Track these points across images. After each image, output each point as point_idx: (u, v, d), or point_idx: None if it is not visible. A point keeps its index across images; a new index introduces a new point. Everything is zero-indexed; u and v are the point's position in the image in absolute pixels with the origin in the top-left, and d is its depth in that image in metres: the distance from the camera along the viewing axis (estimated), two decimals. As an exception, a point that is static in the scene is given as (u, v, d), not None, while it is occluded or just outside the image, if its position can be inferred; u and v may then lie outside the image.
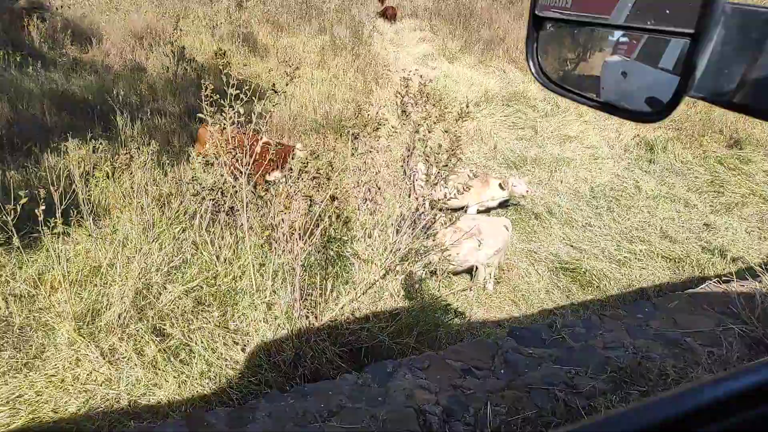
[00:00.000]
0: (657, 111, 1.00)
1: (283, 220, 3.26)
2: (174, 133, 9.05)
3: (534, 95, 13.21)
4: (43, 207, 3.48)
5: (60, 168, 4.66)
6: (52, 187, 3.38)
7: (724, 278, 3.85)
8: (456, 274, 6.22)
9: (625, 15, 1.05)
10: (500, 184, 7.55)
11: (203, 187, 4.08)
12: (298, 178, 3.76)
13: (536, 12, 1.29)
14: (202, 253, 3.64)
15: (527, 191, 7.53)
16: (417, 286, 3.69)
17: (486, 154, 10.25)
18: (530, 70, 1.34)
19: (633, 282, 6.47)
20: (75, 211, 4.15)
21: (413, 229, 5.47)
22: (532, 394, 2.38)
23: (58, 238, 3.44)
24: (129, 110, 8.63)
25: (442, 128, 4.68)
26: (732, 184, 8.96)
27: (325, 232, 3.92)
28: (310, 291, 3.26)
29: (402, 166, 4.69)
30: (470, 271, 6.20)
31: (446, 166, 4.23)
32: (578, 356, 2.67)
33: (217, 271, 3.56)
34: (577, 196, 8.84)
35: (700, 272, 6.67)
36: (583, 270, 6.70)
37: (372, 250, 3.60)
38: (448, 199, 4.25)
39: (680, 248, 7.30)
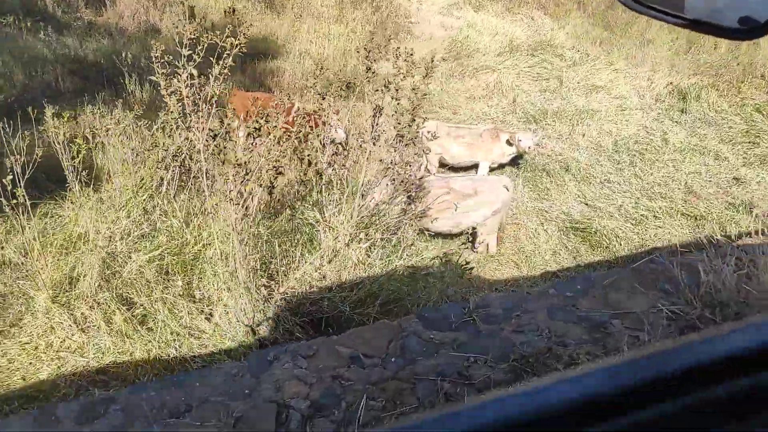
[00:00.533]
0: (753, 29, 1.00)
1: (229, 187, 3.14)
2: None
3: (562, 43, 12.52)
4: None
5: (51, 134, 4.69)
6: (14, 157, 3.37)
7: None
8: (455, 235, 6.04)
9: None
10: (508, 140, 7.21)
11: (168, 153, 4.00)
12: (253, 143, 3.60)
13: None
14: (170, 220, 3.59)
15: (533, 146, 7.14)
16: (389, 251, 3.53)
17: (505, 108, 9.83)
18: None
19: (647, 241, 6.14)
20: (77, 176, 4.19)
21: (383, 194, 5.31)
22: (417, 385, 2.20)
23: (23, 208, 3.44)
24: (139, 74, 8.62)
25: (411, 85, 4.34)
26: (768, 133, 8.31)
27: (296, 197, 3.80)
28: (271, 259, 3.17)
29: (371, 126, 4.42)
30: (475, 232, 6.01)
31: (409, 127, 3.97)
32: (484, 341, 2.47)
33: (187, 239, 3.51)
34: (599, 151, 8.39)
35: (722, 230, 6.26)
36: (594, 229, 6.39)
37: (338, 216, 3.45)
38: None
39: (704, 205, 6.86)
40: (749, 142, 8.23)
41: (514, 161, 7.91)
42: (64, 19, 10.36)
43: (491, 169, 7.84)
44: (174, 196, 3.77)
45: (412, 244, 5.17)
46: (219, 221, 3.06)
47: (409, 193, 5.36)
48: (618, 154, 8.26)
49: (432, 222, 5.51)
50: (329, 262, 3.24)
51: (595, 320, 2.52)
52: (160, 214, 3.62)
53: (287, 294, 3.02)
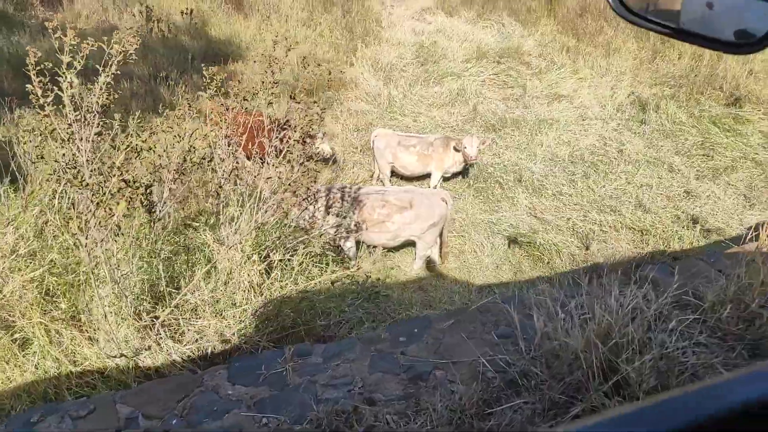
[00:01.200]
0: (748, 43, 1.00)
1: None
2: (137, 98, 8.78)
3: (529, 50, 12.48)
4: None
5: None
6: None
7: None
8: (396, 248, 5.93)
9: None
10: (454, 146, 7.10)
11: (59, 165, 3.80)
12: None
13: None
14: (64, 236, 3.42)
15: (476, 154, 7.03)
16: (289, 273, 3.36)
17: (465, 116, 9.73)
18: (609, 1, 1.39)
19: (589, 257, 6.06)
20: None
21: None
22: (186, 456, 2.04)
23: None
24: (87, 75, 8.40)
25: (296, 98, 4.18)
26: (723, 146, 8.29)
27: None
28: (158, 284, 3.01)
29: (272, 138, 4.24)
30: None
31: (297, 142, 3.81)
32: (288, 397, 2.26)
33: (79, 257, 3.34)
34: (555, 162, 8.32)
35: (665, 245, 6.21)
36: (538, 243, 6.30)
37: (234, 235, 3.29)
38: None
39: (651, 218, 6.81)
40: (704, 155, 8.21)
41: (468, 170, 7.82)
42: (18, 18, 10.09)
43: (445, 179, 7.75)
44: (67, 209, 3.59)
45: (314, 263, 5.05)
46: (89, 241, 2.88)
47: (340, 207, 5.25)
48: (573, 165, 8.19)
49: (368, 234, 5.40)
50: (225, 284, 3.09)
51: (417, 370, 2.34)
52: (56, 229, 3.44)
53: (170, 321, 2.86)
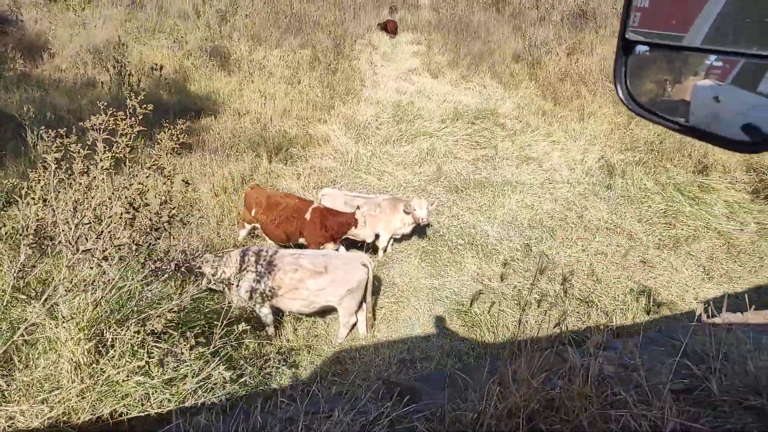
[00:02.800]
0: (754, 142, 0.99)
1: None
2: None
3: (507, 113, 12.53)
4: None
5: None
6: None
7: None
8: (318, 314, 5.66)
9: (725, 38, 1.07)
10: (404, 209, 6.93)
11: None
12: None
13: (626, 35, 1.32)
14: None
15: (426, 216, 6.84)
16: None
17: (429, 176, 9.62)
18: (618, 93, 1.38)
19: (525, 329, 5.73)
20: None
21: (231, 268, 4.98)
22: None
23: None
24: (46, 128, 8.45)
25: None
26: (686, 215, 8.06)
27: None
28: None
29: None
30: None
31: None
32: None
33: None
34: (513, 225, 8.12)
35: (608, 319, 5.89)
36: (477, 313, 6.01)
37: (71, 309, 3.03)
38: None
39: (601, 289, 6.52)
40: (666, 223, 7.97)
41: (418, 231, 7.63)
42: (-5, 69, 10.30)
43: (394, 240, 7.54)
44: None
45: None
46: None
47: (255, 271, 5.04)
48: (531, 230, 7.98)
49: (283, 300, 5.16)
50: (54, 363, 2.83)
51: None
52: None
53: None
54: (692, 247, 7.45)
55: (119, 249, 3.24)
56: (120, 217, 3.21)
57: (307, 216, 6.57)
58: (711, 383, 2.23)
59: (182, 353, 3.03)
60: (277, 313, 5.50)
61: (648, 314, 6.02)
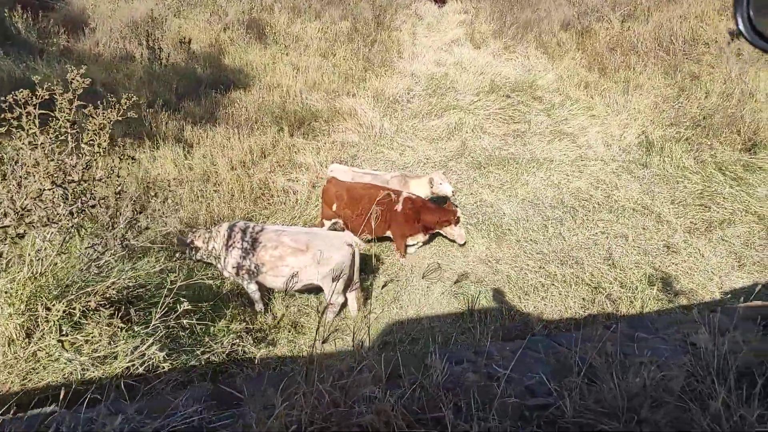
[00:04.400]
0: None
1: None
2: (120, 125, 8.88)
3: (546, 85, 11.92)
4: None
5: None
6: None
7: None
8: (311, 291, 5.61)
9: None
10: (430, 185, 6.79)
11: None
12: None
13: None
14: None
15: (451, 190, 6.68)
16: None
17: (453, 151, 9.31)
18: (737, 25, 1.28)
19: (526, 315, 5.48)
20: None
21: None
22: None
23: None
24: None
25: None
26: (724, 196, 7.40)
27: None
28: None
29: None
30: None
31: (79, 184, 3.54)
32: None
33: None
34: (533, 204, 7.75)
35: (614, 309, 5.53)
36: (473, 295, 5.80)
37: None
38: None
39: (615, 275, 6.12)
40: (701, 205, 7.36)
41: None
42: (38, 44, 10.75)
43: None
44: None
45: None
46: None
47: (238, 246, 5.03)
48: (551, 209, 7.59)
49: (266, 277, 5.14)
50: None
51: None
52: None
53: None
54: (726, 232, 6.85)
55: (61, 222, 3.27)
56: (49, 191, 3.23)
57: (398, 207, 6.39)
58: (565, 401, 1.96)
59: (115, 331, 3.05)
60: (269, 289, 5.50)
61: (661, 303, 5.61)
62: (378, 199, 5.99)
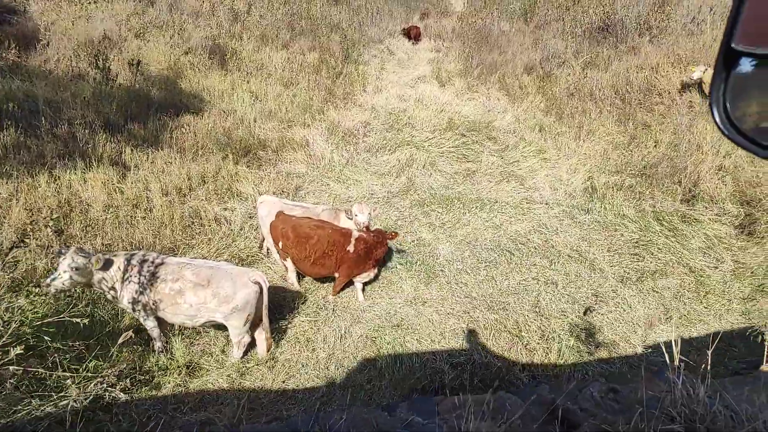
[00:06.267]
0: None
1: None
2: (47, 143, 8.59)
3: (502, 126, 11.99)
4: None
5: None
6: None
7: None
8: (216, 329, 5.35)
9: None
10: (346, 214, 6.57)
11: None
12: None
13: (732, 45, 1.09)
14: None
15: (365, 223, 6.36)
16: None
17: (399, 188, 9.21)
18: (713, 117, 1.19)
19: (426, 368, 5.27)
20: None
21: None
22: None
23: None
24: (20, 119, 8.54)
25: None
26: (659, 246, 7.38)
27: None
28: None
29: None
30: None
31: None
32: None
33: None
34: (470, 245, 7.63)
35: (528, 357, 5.37)
36: (387, 341, 5.59)
37: None
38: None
39: (539, 324, 5.98)
40: (635, 254, 7.32)
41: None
42: (-13, 59, 10.52)
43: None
44: None
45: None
46: None
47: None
48: (488, 252, 7.47)
49: (165, 312, 4.87)
50: None
51: None
52: None
53: None
54: (658, 283, 6.80)
55: None
56: None
57: (350, 248, 6.03)
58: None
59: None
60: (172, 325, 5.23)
61: (579, 355, 5.46)
62: (328, 240, 5.92)
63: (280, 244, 6.19)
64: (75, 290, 5.03)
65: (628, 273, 7.02)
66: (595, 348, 5.62)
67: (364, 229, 6.31)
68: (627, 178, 9.33)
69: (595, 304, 6.41)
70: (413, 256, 7.33)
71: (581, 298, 6.52)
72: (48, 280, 4.26)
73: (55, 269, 4.41)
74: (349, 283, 6.44)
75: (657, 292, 6.68)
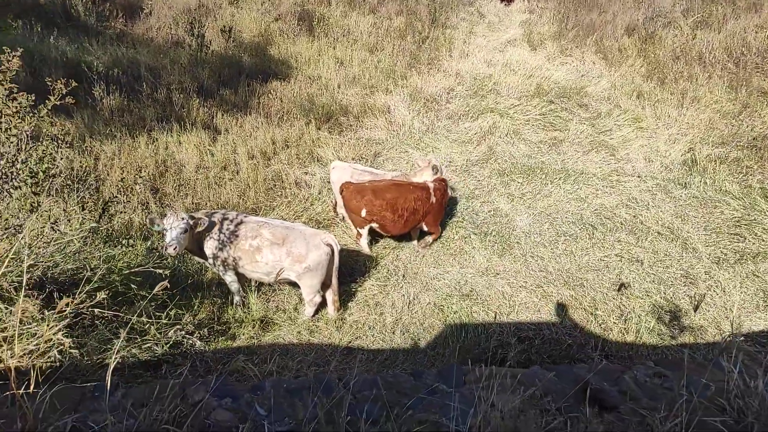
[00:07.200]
0: None
1: None
2: (147, 107, 9.12)
3: (596, 93, 11.28)
4: None
5: None
6: None
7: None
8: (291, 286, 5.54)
9: None
10: (432, 168, 6.82)
11: None
12: None
13: None
14: None
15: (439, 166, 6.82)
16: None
17: (478, 156, 8.97)
18: None
19: (492, 340, 5.15)
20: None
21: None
22: None
23: None
24: (121, 83, 9.15)
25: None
26: (765, 227, 6.69)
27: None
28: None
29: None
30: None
31: None
32: None
33: None
34: (551, 218, 7.32)
35: (602, 336, 5.10)
36: (453, 310, 5.53)
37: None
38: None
39: (618, 303, 5.66)
40: (735, 234, 6.69)
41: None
42: (96, 27, 11.30)
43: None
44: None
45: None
46: None
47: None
48: (568, 225, 7.14)
49: (245, 268, 5.10)
50: None
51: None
52: None
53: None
54: (759, 267, 6.18)
55: None
56: None
57: (433, 199, 6.41)
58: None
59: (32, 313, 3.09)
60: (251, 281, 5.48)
61: (660, 338, 5.13)
62: (414, 197, 6.23)
63: (364, 212, 6.26)
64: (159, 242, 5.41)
65: (726, 254, 6.44)
66: (679, 332, 5.25)
67: (438, 178, 6.64)
68: (733, 151, 8.50)
69: (684, 285, 5.96)
70: (488, 227, 7.15)
71: (668, 278, 6.08)
72: (167, 248, 4.60)
73: (158, 230, 4.76)
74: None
75: (758, 276, 6.09)
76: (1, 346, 2.91)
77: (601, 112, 10.51)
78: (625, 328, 5.16)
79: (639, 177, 8.34)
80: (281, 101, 10.25)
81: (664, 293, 5.84)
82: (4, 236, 3.44)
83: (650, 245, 6.63)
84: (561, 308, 5.57)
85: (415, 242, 6.84)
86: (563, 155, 9.13)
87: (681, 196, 7.70)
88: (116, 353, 3.68)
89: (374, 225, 6.39)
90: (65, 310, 3.21)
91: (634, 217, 7.27)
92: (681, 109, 10.03)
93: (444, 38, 14.94)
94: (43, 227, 3.85)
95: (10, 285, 2.95)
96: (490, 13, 18.40)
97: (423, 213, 6.37)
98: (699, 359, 4.16)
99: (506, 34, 16.07)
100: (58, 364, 2.96)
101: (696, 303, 5.64)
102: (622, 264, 6.31)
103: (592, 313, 5.48)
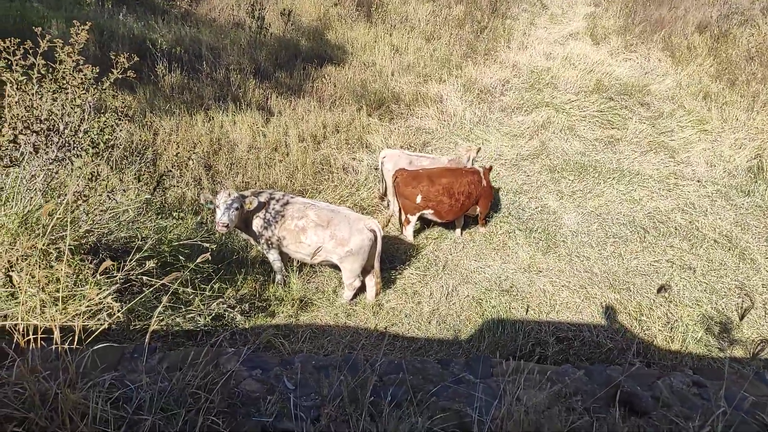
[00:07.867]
0: None
1: None
2: (206, 86, 9.35)
3: (659, 91, 10.83)
4: None
5: None
6: None
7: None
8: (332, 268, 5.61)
9: None
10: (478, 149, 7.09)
11: None
12: None
13: None
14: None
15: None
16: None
17: (529, 151, 8.78)
18: None
19: (529, 337, 5.05)
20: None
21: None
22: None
23: None
24: (182, 61, 9.45)
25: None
26: (834, 243, 6.28)
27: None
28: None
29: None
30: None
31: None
32: None
33: None
34: (600, 219, 7.11)
35: (646, 343, 4.93)
36: (492, 305, 5.46)
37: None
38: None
39: (666, 310, 5.45)
40: (800, 248, 6.32)
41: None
42: (164, 5, 11.68)
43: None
44: None
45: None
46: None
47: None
48: (619, 227, 6.91)
49: (289, 247, 5.20)
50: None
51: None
52: None
53: None
54: (823, 284, 5.82)
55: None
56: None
57: (484, 183, 6.58)
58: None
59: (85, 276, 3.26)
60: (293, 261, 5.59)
61: (707, 349, 4.91)
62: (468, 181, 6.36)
63: (419, 198, 6.27)
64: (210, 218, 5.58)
65: (788, 268, 6.09)
66: (728, 345, 5.02)
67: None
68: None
69: (738, 297, 5.68)
70: (534, 223, 7.02)
71: (721, 288, 5.81)
72: (218, 224, 4.76)
73: (209, 207, 4.92)
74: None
75: (821, 293, 5.73)
76: (56, 305, 3.09)
77: (663, 112, 10.08)
78: (670, 337, 4.97)
79: (699, 181, 7.98)
80: (335, 86, 10.33)
81: (716, 304, 5.58)
82: (63, 201, 3.63)
83: (705, 253, 6.34)
84: (604, 311, 5.42)
85: (458, 231, 6.80)
86: (619, 154, 8.83)
87: (743, 203, 7.32)
88: (157, 318, 3.84)
89: (427, 212, 6.39)
90: (115, 276, 3.38)
91: (690, 222, 6.97)
92: (751, 113, 9.51)
93: (503, 29, 14.64)
94: (101, 195, 4.04)
95: (67, 248, 3.11)
96: (553, 5, 17.87)
97: (476, 196, 6.46)
98: (742, 371, 3.96)
99: (568, 27, 15.59)
100: (106, 326, 3.11)
101: (743, 311, 5.37)
102: (673, 270, 6.07)
103: (636, 319, 5.30)
